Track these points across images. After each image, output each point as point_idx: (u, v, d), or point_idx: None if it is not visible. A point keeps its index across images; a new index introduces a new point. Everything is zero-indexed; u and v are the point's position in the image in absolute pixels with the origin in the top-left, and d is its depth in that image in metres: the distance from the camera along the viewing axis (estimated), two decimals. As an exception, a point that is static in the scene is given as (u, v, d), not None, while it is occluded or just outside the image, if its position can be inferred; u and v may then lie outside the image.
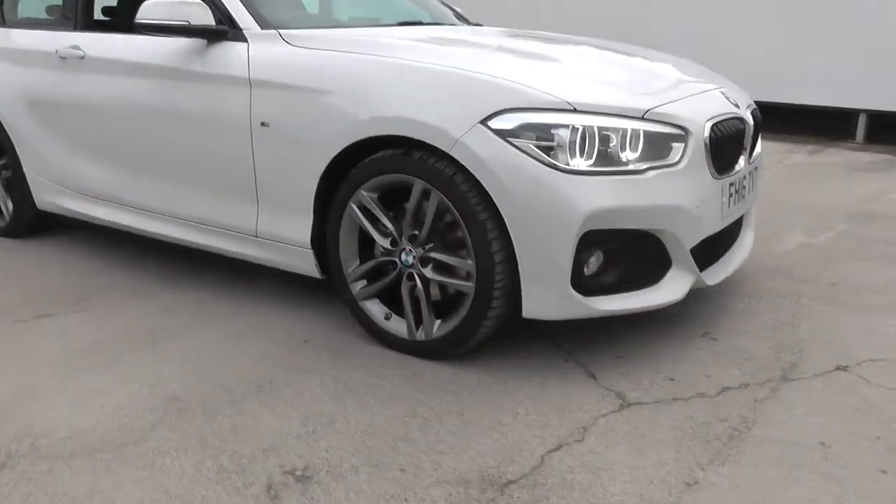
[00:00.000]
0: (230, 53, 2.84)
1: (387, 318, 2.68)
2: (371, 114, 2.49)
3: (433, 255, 2.51)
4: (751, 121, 2.87)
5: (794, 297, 3.13)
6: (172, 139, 3.05)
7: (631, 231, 2.39)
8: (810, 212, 4.46)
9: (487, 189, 2.32)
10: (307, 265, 2.81)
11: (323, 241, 2.77)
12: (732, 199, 2.69)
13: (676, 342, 2.72)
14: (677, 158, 2.42)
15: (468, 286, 2.44)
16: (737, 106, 2.81)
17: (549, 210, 2.28)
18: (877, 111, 6.77)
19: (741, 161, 2.76)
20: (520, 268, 2.35)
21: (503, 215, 2.32)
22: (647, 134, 2.38)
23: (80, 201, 3.56)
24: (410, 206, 2.50)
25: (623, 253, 2.43)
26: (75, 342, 2.77)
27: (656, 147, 2.40)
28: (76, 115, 3.42)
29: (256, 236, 2.91)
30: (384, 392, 2.40)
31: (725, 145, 2.63)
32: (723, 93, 2.83)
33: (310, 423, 2.22)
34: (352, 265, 2.71)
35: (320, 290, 3.13)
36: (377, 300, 2.70)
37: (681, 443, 2.10)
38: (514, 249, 2.35)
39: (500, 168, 2.29)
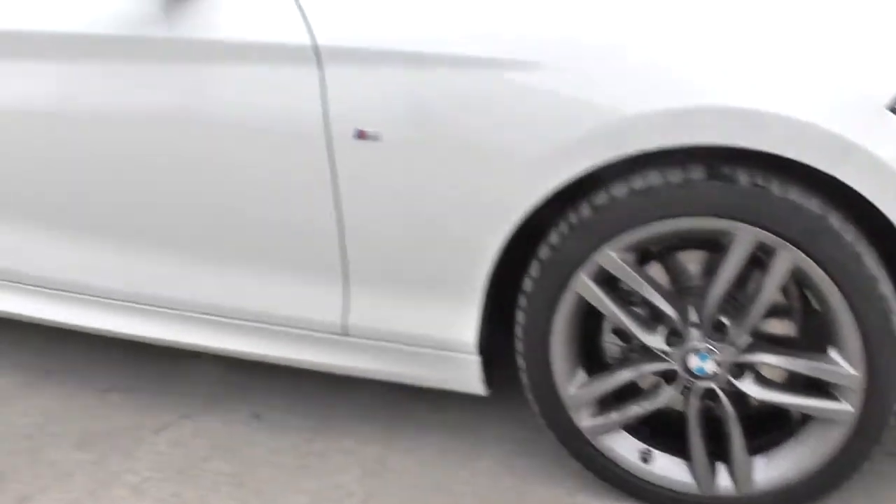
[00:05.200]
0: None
1: (644, 458, 1.53)
2: (653, 104, 1.27)
3: (764, 357, 1.39)
4: None
5: None
6: (149, 183, 1.64)
7: None
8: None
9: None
10: (460, 377, 1.59)
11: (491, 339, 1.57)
12: None
13: None
14: None
15: (840, 411, 1.35)
16: None
17: None
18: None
19: None
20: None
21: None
22: None
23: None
24: (724, 274, 1.34)
25: None
26: None
27: None
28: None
29: (347, 334, 1.62)
30: None
31: None
32: None
33: None
34: (573, 380, 1.52)
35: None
36: (624, 431, 1.54)
37: None
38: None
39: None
